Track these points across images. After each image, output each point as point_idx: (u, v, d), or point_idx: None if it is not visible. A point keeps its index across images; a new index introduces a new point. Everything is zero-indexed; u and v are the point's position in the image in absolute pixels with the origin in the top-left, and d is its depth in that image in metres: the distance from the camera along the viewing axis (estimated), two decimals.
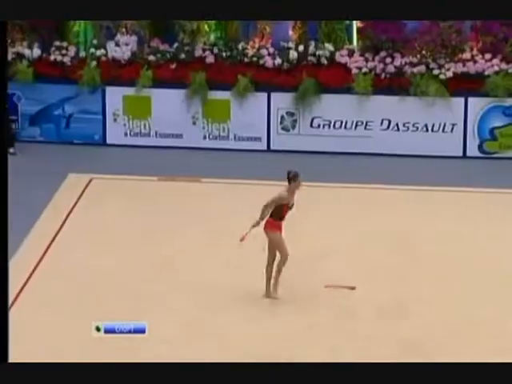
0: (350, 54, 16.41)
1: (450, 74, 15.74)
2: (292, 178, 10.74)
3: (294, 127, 16.40)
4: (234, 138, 16.52)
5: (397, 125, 15.97)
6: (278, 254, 10.74)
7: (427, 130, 15.87)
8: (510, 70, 15.62)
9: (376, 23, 16.30)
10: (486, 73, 15.64)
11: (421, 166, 15.28)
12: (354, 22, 16.80)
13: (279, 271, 10.70)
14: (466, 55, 15.97)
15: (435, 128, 15.82)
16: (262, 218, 10.66)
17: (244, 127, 16.45)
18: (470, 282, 11.30)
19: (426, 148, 15.75)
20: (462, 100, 15.73)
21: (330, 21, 16.01)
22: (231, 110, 16.47)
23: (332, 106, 16.04)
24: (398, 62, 16.06)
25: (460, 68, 15.79)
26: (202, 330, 10.29)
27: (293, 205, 10.70)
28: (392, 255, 11.81)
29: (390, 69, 16.02)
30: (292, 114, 16.37)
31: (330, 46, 16.35)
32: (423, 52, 16.11)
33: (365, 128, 16.08)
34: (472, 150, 15.77)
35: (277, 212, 10.65)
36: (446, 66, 15.84)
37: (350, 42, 16.80)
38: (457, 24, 15.96)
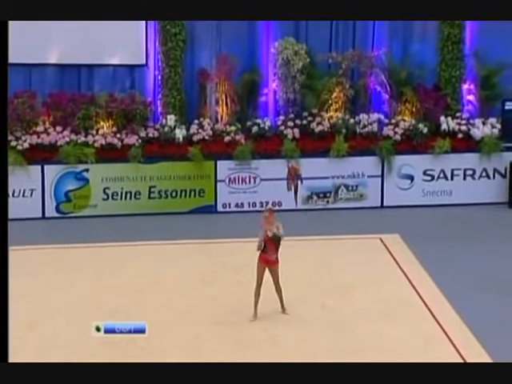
0: None
1: (26, 145, 17.15)
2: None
3: None
4: None
5: None
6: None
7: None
8: (78, 140, 17.33)
9: None
10: (59, 143, 17.25)
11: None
12: None
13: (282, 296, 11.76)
14: (40, 128, 17.49)
15: (16, 193, 16.87)
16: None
17: None
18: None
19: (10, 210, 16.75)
20: (39, 167, 17.03)
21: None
22: None
23: None
24: None
25: (35, 139, 17.26)
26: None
27: (274, 233, 11.41)
28: None
29: None
30: None
31: None
32: None
33: None
34: (50, 211, 17.07)
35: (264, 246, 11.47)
36: (23, 137, 17.24)
37: None
38: (29, 100, 17.59)
